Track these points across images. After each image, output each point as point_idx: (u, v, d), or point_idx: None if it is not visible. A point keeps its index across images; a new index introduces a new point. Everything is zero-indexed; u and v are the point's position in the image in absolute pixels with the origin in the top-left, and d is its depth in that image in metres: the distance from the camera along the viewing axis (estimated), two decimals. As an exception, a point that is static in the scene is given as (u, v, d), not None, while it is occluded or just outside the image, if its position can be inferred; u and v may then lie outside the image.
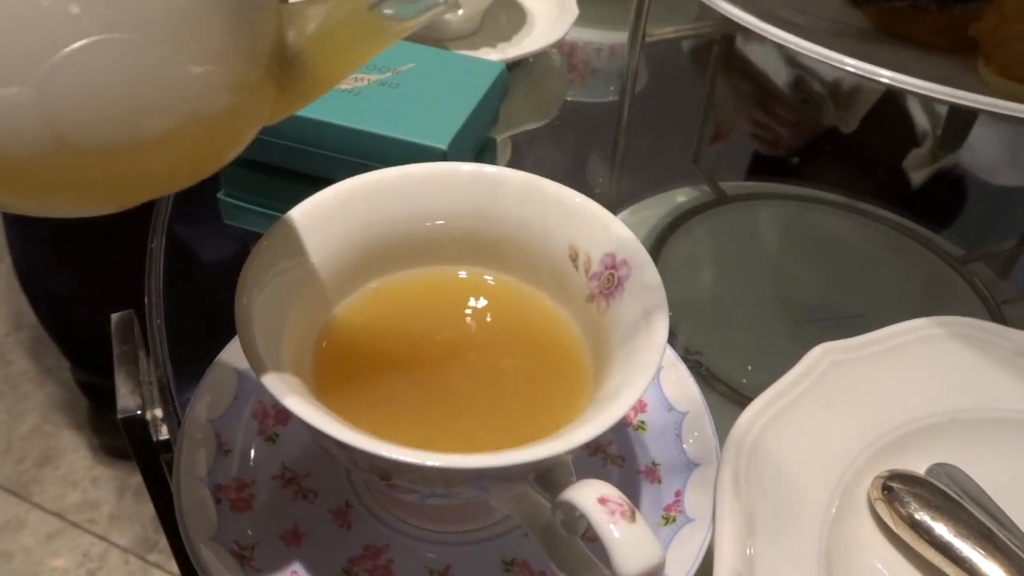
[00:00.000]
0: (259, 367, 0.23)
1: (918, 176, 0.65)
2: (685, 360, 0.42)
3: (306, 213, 0.28)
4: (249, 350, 0.23)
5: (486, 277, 0.31)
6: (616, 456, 0.32)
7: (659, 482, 0.31)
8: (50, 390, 1.17)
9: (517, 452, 0.22)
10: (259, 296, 0.25)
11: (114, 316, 0.37)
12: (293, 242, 0.27)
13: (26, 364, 1.20)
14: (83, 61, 0.19)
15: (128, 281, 0.43)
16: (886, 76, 0.31)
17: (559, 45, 0.57)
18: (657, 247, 0.49)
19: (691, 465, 0.31)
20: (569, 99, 0.60)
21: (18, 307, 1.18)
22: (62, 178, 0.21)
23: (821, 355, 0.33)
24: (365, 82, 0.44)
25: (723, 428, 0.31)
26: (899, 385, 0.34)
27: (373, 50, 0.25)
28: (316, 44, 0.23)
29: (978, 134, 0.65)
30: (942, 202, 0.62)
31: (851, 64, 0.32)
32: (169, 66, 0.20)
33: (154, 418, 0.34)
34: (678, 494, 0.30)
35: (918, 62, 0.36)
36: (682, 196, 0.53)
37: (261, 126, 0.23)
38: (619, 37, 0.38)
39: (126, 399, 0.34)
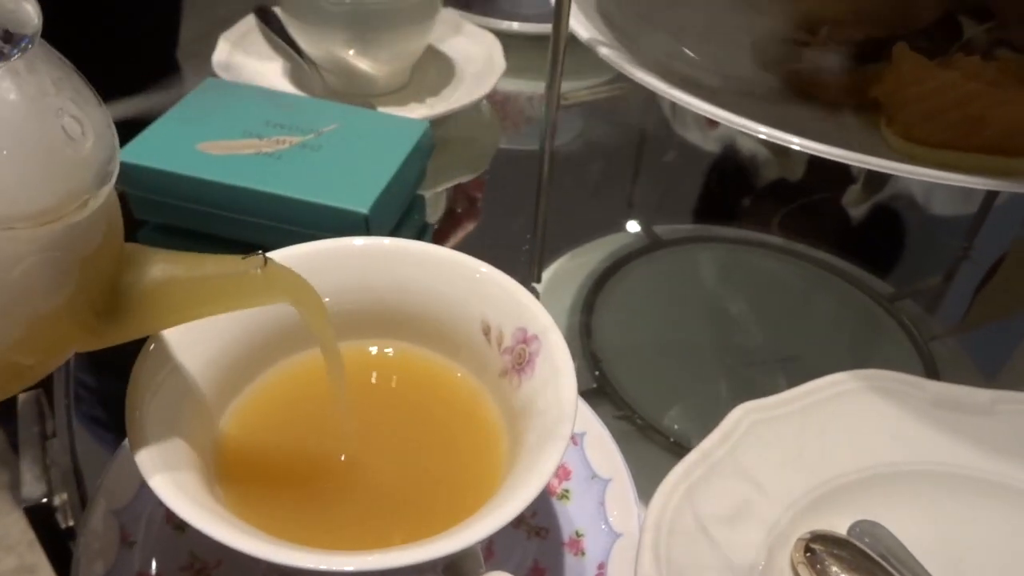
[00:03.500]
0: (149, 473, 0.22)
1: (854, 214, 0.66)
2: (618, 417, 0.42)
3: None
4: (139, 457, 0.22)
5: (393, 351, 0.31)
6: (539, 528, 0.31)
7: (582, 554, 0.30)
8: (-19, 450, 1.12)
9: (422, 548, 0.21)
10: (152, 399, 0.24)
11: (20, 396, 0.35)
12: (187, 334, 0.26)
13: (-44, 423, 1.15)
14: None
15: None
16: (796, 142, 0.32)
17: (490, 96, 0.57)
18: (593, 293, 0.50)
19: (615, 535, 0.31)
20: (504, 148, 0.60)
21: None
22: None
23: (741, 416, 0.33)
24: (286, 144, 0.43)
25: (659, 482, 0.31)
26: (820, 442, 0.34)
27: (224, 308, 0.25)
28: (160, 292, 0.23)
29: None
30: (872, 241, 0.63)
31: (763, 131, 0.32)
32: None
33: (62, 504, 0.33)
34: (601, 567, 0.30)
35: (829, 121, 0.36)
36: (617, 242, 0.53)
37: (70, 352, 0.23)
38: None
39: (31, 486, 0.33)
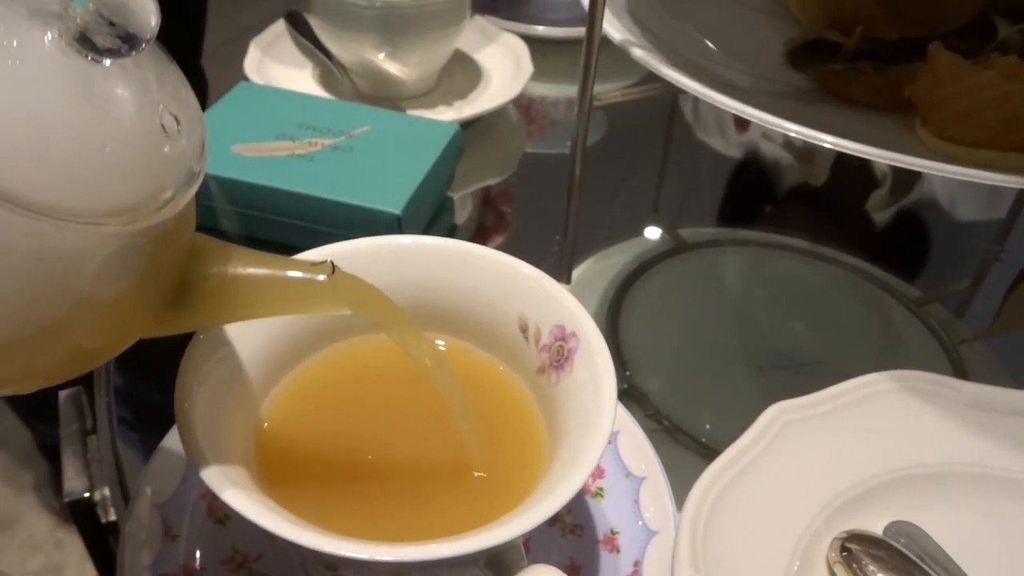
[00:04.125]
0: (199, 463, 0.22)
1: (881, 218, 0.66)
2: (647, 417, 0.42)
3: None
4: (189, 448, 0.23)
5: (439, 343, 0.31)
6: (574, 525, 0.31)
7: (618, 551, 0.30)
8: (9, 451, 1.14)
9: (466, 540, 0.22)
10: (200, 389, 0.24)
11: (62, 393, 0.36)
12: (233, 323, 0.26)
13: (-17, 426, 1.17)
14: None
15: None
16: (828, 140, 0.32)
17: (516, 100, 0.58)
18: (619, 296, 0.50)
19: (650, 532, 0.31)
20: (529, 151, 0.60)
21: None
22: None
23: (775, 416, 0.33)
24: (319, 146, 0.44)
25: (686, 482, 0.31)
26: (854, 442, 0.34)
27: (287, 311, 0.25)
28: (227, 288, 0.23)
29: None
30: (900, 245, 0.63)
31: (794, 129, 0.32)
32: None
33: (103, 498, 0.33)
34: (637, 564, 0.30)
35: (859, 122, 0.36)
36: (643, 245, 0.53)
37: (136, 337, 0.23)
38: (575, 90, 0.39)
39: (73, 481, 0.33)
